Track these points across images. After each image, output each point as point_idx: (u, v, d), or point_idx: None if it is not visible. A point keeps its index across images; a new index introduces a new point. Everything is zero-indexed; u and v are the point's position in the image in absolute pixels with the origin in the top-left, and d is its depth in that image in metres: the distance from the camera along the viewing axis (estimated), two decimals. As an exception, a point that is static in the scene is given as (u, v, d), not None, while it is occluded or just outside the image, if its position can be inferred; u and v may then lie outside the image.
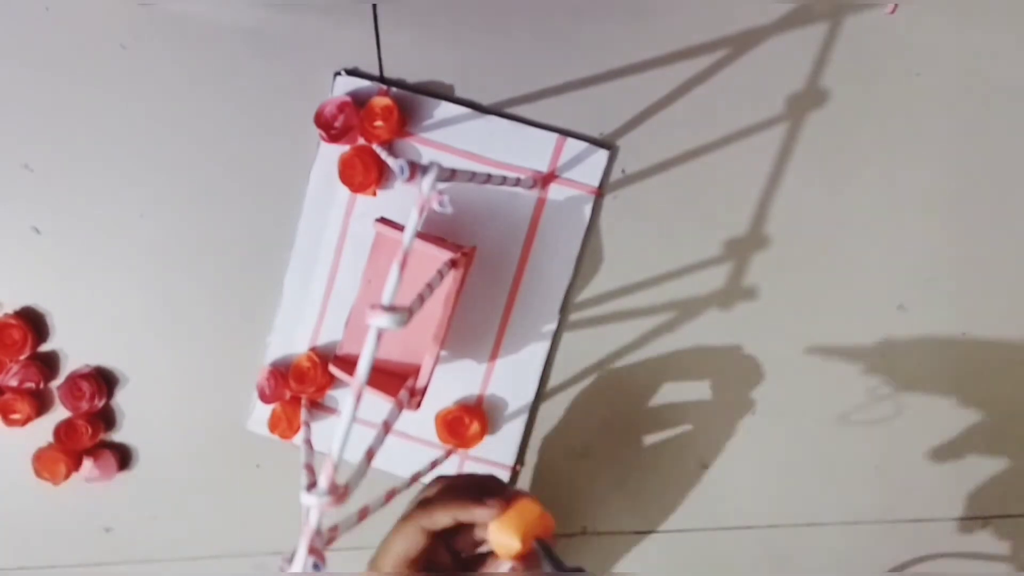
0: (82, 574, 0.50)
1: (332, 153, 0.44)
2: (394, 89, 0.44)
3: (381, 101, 0.43)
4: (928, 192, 0.45)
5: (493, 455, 0.47)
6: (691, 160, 0.45)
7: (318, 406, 0.47)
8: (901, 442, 0.47)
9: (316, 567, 0.28)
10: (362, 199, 0.45)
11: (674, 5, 0.43)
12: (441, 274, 0.37)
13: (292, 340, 0.47)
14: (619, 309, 0.46)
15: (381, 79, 0.44)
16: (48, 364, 0.47)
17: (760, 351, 0.46)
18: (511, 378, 0.46)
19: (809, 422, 0.47)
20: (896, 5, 0.43)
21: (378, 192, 0.45)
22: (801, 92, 0.44)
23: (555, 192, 0.45)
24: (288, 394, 0.46)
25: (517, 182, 0.43)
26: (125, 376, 0.48)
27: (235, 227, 0.46)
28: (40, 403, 0.47)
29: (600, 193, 0.45)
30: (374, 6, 0.44)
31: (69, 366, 0.47)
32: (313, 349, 0.46)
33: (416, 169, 0.31)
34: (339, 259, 0.46)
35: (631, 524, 0.48)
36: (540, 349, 0.46)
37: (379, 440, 0.34)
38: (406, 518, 0.35)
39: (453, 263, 0.39)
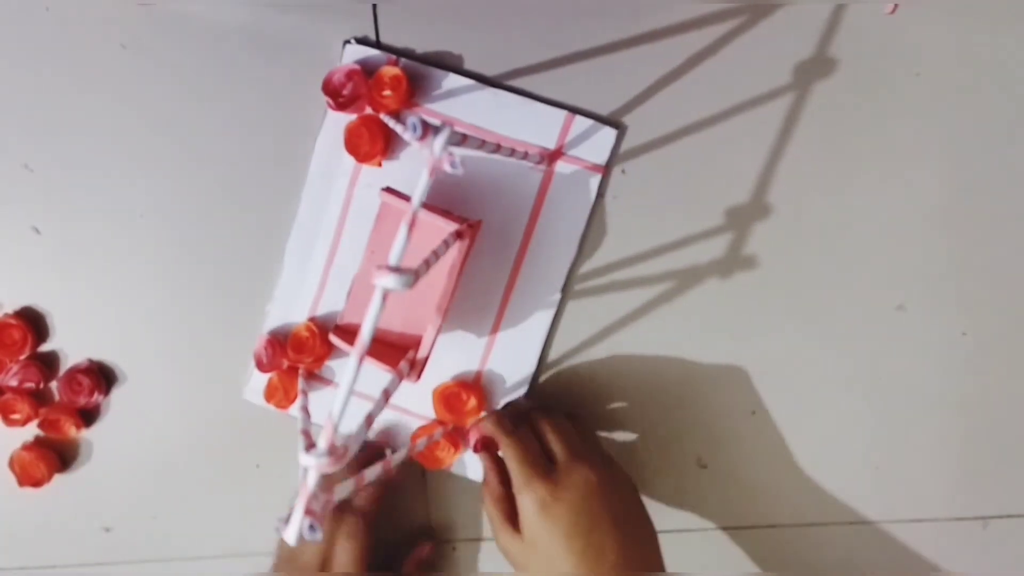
0: (82, 574, 0.50)
1: (339, 122, 0.44)
2: (403, 60, 0.44)
3: (390, 71, 0.43)
4: (928, 192, 0.45)
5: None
6: (692, 159, 0.45)
7: (315, 377, 0.47)
8: (901, 442, 0.47)
9: (312, 529, 0.28)
10: (367, 169, 0.45)
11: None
12: (447, 244, 0.37)
13: (291, 309, 0.47)
14: (618, 296, 0.46)
15: (391, 49, 0.44)
16: (48, 364, 0.47)
17: (760, 352, 0.46)
18: (511, 354, 0.46)
19: (809, 422, 0.47)
20: (896, 5, 0.43)
21: (384, 163, 0.45)
22: (799, 93, 0.44)
23: (562, 168, 0.45)
24: (285, 363, 0.46)
25: (525, 155, 0.43)
26: (124, 374, 0.48)
27: (234, 220, 0.46)
28: (40, 403, 0.47)
29: (607, 172, 0.45)
30: (374, 6, 0.44)
31: (69, 366, 0.47)
32: (312, 319, 0.46)
33: (428, 129, 0.30)
34: (342, 229, 0.45)
35: (631, 524, 0.48)
36: (541, 326, 0.46)
37: (379, 407, 0.34)
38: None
39: (458, 234, 0.39)
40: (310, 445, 0.29)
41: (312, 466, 0.28)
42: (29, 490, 0.47)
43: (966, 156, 0.44)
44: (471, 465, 0.47)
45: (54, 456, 0.48)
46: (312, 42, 0.44)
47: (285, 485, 0.48)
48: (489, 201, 0.45)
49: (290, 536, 0.28)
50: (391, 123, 0.42)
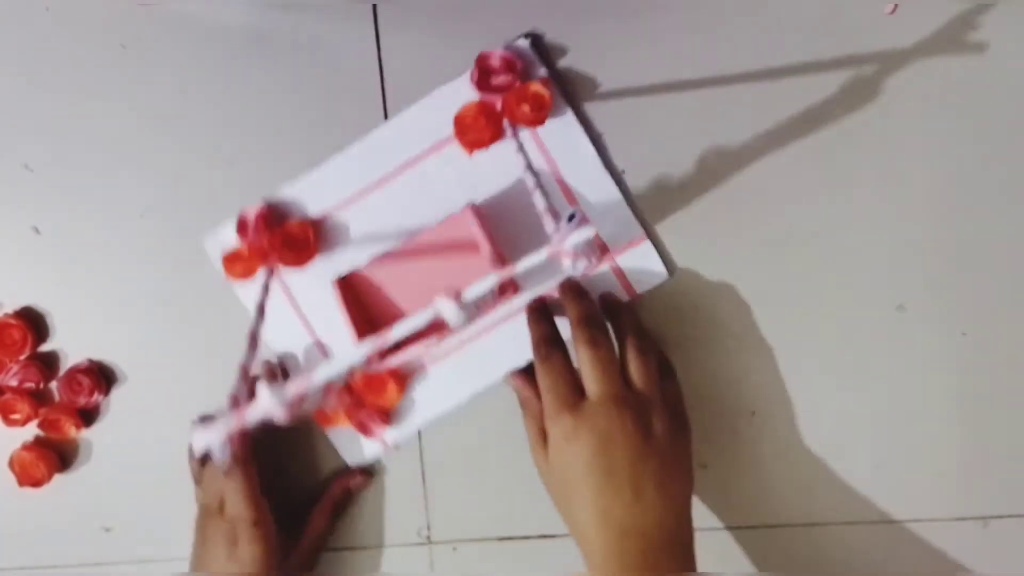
0: (82, 574, 0.50)
1: (462, 92, 0.43)
2: (555, 86, 0.43)
3: (541, 89, 0.42)
4: (928, 192, 0.45)
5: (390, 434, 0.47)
6: (683, 168, 0.45)
7: (278, 277, 0.46)
8: (901, 442, 0.47)
9: (224, 452, 0.27)
10: (456, 147, 0.44)
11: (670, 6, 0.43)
12: (498, 296, 0.36)
13: (312, 195, 0.45)
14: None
15: (550, 67, 0.44)
16: (48, 364, 0.47)
17: (759, 351, 0.46)
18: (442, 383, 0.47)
19: (809, 422, 0.47)
20: (896, 5, 0.43)
21: (474, 152, 0.44)
22: (799, 93, 0.44)
23: (602, 270, 0.45)
24: (265, 244, 0.44)
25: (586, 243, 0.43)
26: (124, 374, 0.48)
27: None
28: (40, 403, 0.47)
29: (638, 300, 0.45)
30: (374, 6, 0.44)
31: (69, 366, 0.47)
32: (319, 220, 0.45)
33: (573, 222, 0.29)
34: (402, 174, 0.44)
35: (631, 524, 0.48)
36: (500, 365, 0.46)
37: (341, 376, 0.33)
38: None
39: (502, 291, 0.39)
40: (272, 376, 0.28)
41: (266, 406, 0.27)
42: (29, 490, 0.47)
43: (966, 156, 0.44)
44: (346, 444, 0.47)
45: (54, 456, 0.48)
46: (312, 42, 0.44)
47: (285, 485, 0.48)
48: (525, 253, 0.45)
49: (198, 445, 0.27)
50: (509, 132, 0.41)
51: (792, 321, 0.46)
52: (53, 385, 0.47)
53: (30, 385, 0.47)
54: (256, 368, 0.45)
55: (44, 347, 0.47)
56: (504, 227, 0.44)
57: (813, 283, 0.45)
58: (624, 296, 0.45)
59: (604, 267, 0.45)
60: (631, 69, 0.44)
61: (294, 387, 0.27)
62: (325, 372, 0.28)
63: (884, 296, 0.46)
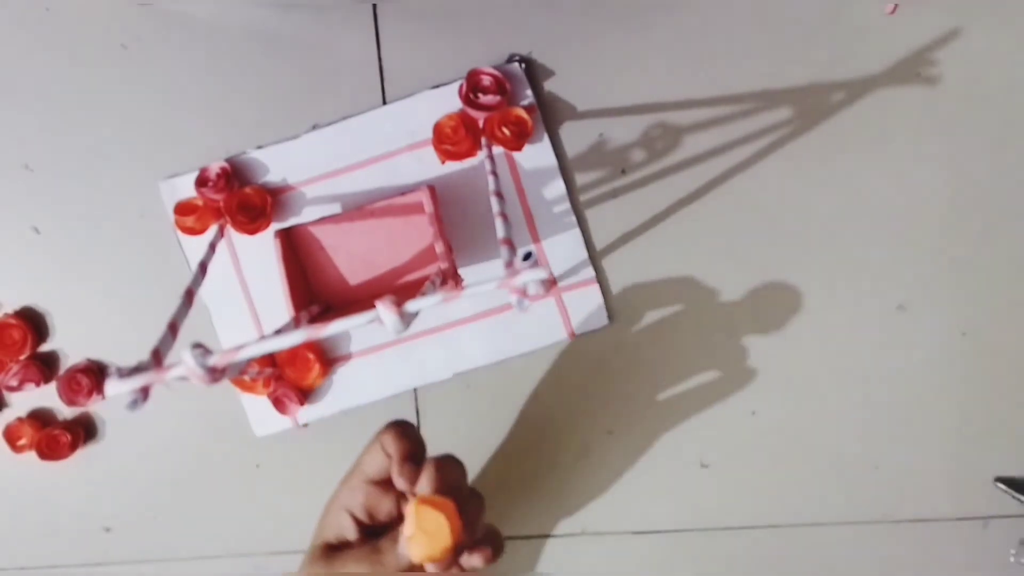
0: (82, 574, 0.50)
1: (448, 100, 0.44)
2: (537, 115, 0.43)
3: (525, 116, 0.42)
4: (928, 192, 0.45)
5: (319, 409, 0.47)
6: (685, 168, 0.45)
7: (226, 237, 0.45)
8: (901, 442, 0.47)
9: (134, 404, 0.27)
10: (431, 151, 0.44)
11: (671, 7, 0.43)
12: (433, 284, 0.36)
13: (276, 168, 0.45)
14: (617, 290, 0.46)
15: (538, 94, 0.44)
16: (48, 364, 0.47)
17: (760, 352, 0.46)
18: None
19: (809, 422, 0.47)
20: (896, 5, 0.43)
21: (447, 162, 0.44)
22: (799, 93, 0.44)
23: (544, 303, 0.45)
24: (220, 203, 0.43)
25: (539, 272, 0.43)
26: (125, 376, 0.48)
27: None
28: (42, 424, 0.47)
29: (574, 338, 0.46)
30: (374, 6, 0.44)
31: (68, 366, 0.47)
32: (279, 191, 0.45)
33: (529, 261, 0.30)
34: (373, 164, 0.45)
35: (631, 524, 0.48)
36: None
37: (268, 352, 0.33)
38: (377, 436, 0.37)
39: (444, 281, 0.39)
40: (203, 348, 0.28)
41: (190, 367, 0.27)
42: (30, 487, 0.47)
43: (966, 156, 0.44)
44: (258, 413, 0.47)
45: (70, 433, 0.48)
46: (312, 42, 0.44)
47: (285, 485, 0.48)
48: (476, 265, 0.45)
49: (109, 393, 0.27)
50: (484, 150, 0.41)
51: (792, 320, 0.46)
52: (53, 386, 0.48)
53: (30, 385, 0.47)
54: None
55: (44, 347, 0.47)
56: (457, 220, 0.45)
57: (813, 283, 0.45)
58: (565, 334, 0.46)
59: (550, 300, 0.45)
60: (623, 85, 0.44)
61: (219, 357, 0.28)
62: (252, 350, 0.28)
63: (884, 296, 0.46)
